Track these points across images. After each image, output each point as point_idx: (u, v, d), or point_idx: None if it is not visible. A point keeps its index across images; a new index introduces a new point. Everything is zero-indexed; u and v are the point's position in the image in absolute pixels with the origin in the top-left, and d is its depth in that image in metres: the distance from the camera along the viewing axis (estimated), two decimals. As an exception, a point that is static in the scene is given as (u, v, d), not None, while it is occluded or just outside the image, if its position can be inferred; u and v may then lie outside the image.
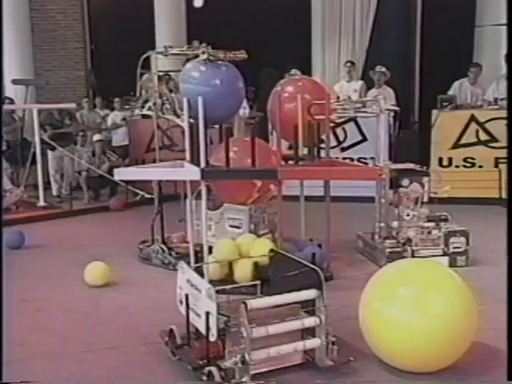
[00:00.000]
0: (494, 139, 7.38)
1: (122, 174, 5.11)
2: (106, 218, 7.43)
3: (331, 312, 3.56)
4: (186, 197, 4.82)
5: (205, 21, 10.23)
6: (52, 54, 10.91)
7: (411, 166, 5.11)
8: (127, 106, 7.55)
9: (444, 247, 4.68)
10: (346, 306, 3.44)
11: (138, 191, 7.97)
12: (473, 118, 7.51)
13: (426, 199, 4.93)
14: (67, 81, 10.97)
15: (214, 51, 4.56)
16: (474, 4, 9.26)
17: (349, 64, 8.89)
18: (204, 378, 2.66)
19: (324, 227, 4.47)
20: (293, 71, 8.08)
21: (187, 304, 2.88)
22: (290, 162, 4.79)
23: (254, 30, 10.16)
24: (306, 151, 4.67)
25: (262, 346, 2.68)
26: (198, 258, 4.54)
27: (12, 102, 9.47)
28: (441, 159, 7.59)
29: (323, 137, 4.77)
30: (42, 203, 7.81)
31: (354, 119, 7.54)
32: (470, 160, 7.53)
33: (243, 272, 4.19)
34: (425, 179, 4.96)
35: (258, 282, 3.23)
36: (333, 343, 2.80)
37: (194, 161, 4.40)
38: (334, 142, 7.50)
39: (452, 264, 4.58)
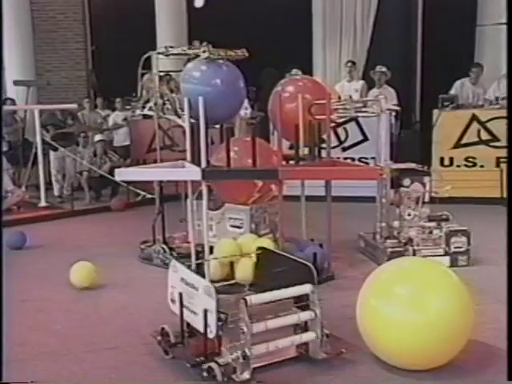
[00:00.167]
0: (495, 139, 7.37)
1: (123, 174, 5.11)
2: (107, 219, 7.43)
3: (332, 311, 3.57)
4: (186, 197, 4.83)
5: (205, 21, 10.23)
6: (53, 55, 10.91)
7: (412, 165, 5.10)
8: (128, 107, 7.55)
9: (445, 247, 4.68)
10: (347, 306, 3.43)
11: (139, 191, 7.97)
12: (474, 118, 7.50)
13: (427, 199, 4.93)
14: (68, 81, 10.98)
15: (215, 49, 4.56)
16: (475, 3, 9.25)
17: (350, 64, 8.88)
18: (204, 374, 2.68)
19: (325, 227, 4.47)
20: (294, 71, 8.07)
21: (181, 302, 2.89)
22: (291, 162, 4.78)
23: (254, 30, 10.15)
24: (306, 151, 4.67)
25: (260, 341, 2.72)
26: (200, 258, 4.54)
27: (13, 102, 9.49)
28: (442, 159, 7.58)
29: (324, 136, 4.76)
30: (43, 203, 7.82)
31: (355, 119, 7.53)
32: (471, 159, 7.52)
33: (244, 272, 4.19)
34: (426, 179, 4.95)
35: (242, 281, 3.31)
36: (327, 336, 2.89)
37: (195, 161, 4.40)
38: (335, 142, 7.50)
39: (453, 264, 4.57)
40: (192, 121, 4.42)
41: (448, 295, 2.81)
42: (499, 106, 7.43)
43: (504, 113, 6.87)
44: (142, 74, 5.27)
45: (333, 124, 5.77)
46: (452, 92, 8.12)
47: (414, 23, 10.13)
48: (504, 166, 7.14)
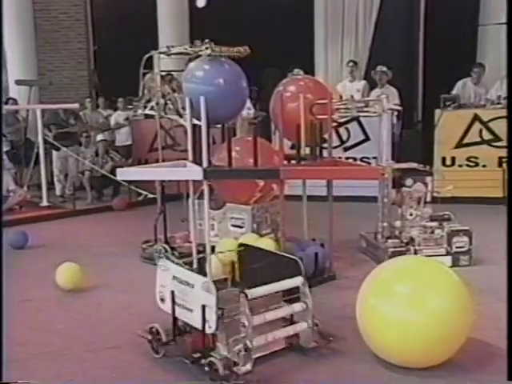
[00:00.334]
0: (497, 138, 7.36)
1: (124, 173, 5.12)
2: (108, 218, 7.44)
3: (333, 311, 3.59)
4: (188, 196, 4.83)
5: (208, 21, 10.23)
6: (55, 55, 10.93)
7: (414, 165, 5.10)
8: (130, 106, 7.55)
9: (447, 247, 4.67)
10: (348, 305, 3.43)
11: (140, 191, 7.99)
12: (476, 118, 7.49)
13: (429, 199, 4.92)
14: (70, 81, 11.00)
15: (217, 46, 4.55)
16: (478, 2, 9.24)
17: (351, 64, 8.89)
18: (206, 368, 2.71)
19: (326, 227, 4.46)
20: (296, 71, 8.07)
21: (173, 301, 2.91)
22: (293, 162, 4.78)
23: (256, 30, 10.14)
24: (308, 151, 4.66)
25: (257, 333, 2.78)
26: (201, 258, 4.54)
27: (15, 102, 9.52)
28: (444, 158, 7.57)
29: (325, 136, 4.76)
30: (45, 203, 7.84)
31: (357, 119, 7.53)
32: (473, 159, 7.51)
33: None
34: (428, 179, 4.94)
35: (228, 276, 3.38)
36: (316, 325, 3.01)
37: (197, 160, 4.40)
38: (336, 142, 7.50)
39: (455, 263, 4.57)
40: (196, 122, 4.40)
41: (447, 293, 2.82)
42: (501, 105, 7.42)
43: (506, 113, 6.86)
44: (144, 74, 5.27)
45: (334, 124, 5.77)
46: (454, 92, 8.11)
47: (416, 23, 10.12)
48: (506, 166, 7.13)
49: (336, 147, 7.09)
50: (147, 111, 5.44)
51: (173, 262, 4.80)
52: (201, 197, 4.51)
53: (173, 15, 10.07)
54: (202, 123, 4.30)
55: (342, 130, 7.80)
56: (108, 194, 8.55)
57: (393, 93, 7.90)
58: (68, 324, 3.66)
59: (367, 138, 7.74)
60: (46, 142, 8.09)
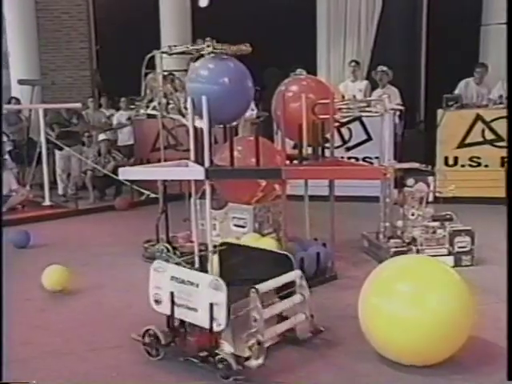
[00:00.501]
0: (499, 138, 7.34)
1: (126, 173, 5.12)
2: (111, 218, 7.45)
3: (335, 311, 3.59)
4: (190, 196, 4.83)
5: (210, 20, 10.23)
6: (57, 54, 10.94)
7: (416, 165, 5.09)
8: (132, 106, 7.56)
9: (449, 247, 4.66)
10: (350, 305, 3.43)
11: (143, 191, 7.98)
12: (478, 117, 7.48)
13: (431, 199, 4.92)
14: (72, 81, 11.00)
15: (219, 44, 4.54)
16: (480, 2, 9.22)
17: (353, 63, 8.87)
18: (219, 366, 2.73)
19: (328, 227, 4.46)
20: (298, 71, 8.06)
21: (172, 301, 2.90)
22: (295, 162, 4.78)
23: (259, 30, 10.14)
24: (310, 151, 4.66)
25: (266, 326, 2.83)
26: (202, 259, 4.55)
27: (18, 101, 9.53)
28: (446, 158, 7.55)
29: (328, 136, 4.75)
30: (47, 203, 7.85)
31: (359, 119, 7.52)
32: (475, 159, 7.49)
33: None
34: (430, 179, 4.94)
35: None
36: (311, 316, 3.11)
37: (199, 160, 4.40)
38: (338, 142, 7.49)
39: (457, 263, 4.56)
40: (200, 123, 4.37)
41: (448, 292, 2.84)
42: (503, 105, 7.40)
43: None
44: (146, 74, 5.27)
45: (336, 124, 5.77)
46: (456, 92, 8.09)
47: (419, 22, 10.10)
48: (509, 167, 7.12)
49: (338, 147, 7.08)
50: (149, 111, 5.45)
51: (172, 261, 4.86)
52: (203, 196, 4.51)
53: (175, 15, 10.07)
54: (204, 123, 4.30)
55: (344, 129, 7.79)
56: (110, 194, 8.56)
57: (394, 93, 7.89)
58: (69, 323, 3.67)
59: (369, 138, 7.73)
60: (48, 141, 8.11)
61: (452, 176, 6.14)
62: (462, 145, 7.53)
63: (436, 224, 4.74)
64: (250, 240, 4.46)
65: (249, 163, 4.54)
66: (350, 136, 7.85)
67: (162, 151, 5.60)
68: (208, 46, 4.48)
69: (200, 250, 4.52)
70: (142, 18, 10.50)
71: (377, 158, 7.60)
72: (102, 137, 8.88)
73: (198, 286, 2.80)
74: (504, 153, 7.19)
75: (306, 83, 5.19)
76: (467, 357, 2.89)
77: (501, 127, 7.27)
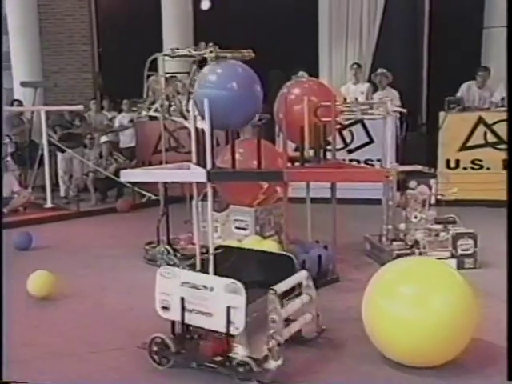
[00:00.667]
0: (501, 141, 7.33)
1: (128, 175, 5.12)
2: (112, 220, 7.45)
3: (337, 313, 3.58)
4: (191, 198, 4.83)
5: (212, 23, 10.25)
6: (60, 57, 10.97)
7: (419, 167, 5.08)
8: (134, 108, 7.57)
9: (452, 249, 4.65)
10: (352, 308, 3.44)
11: (144, 193, 7.99)
12: (480, 120, 7.47)
13: (433, 201, 4.91)
14: (75, 83, 11.03)
15: (221, 50, 4.54)
16: (482, 5, 9.22)
17: (355, 66, 8.87)
18: (240, 369, 2.72)
19: (330, 229, 4.45)
20: (300, 73, 8.07)
21: (183, 307, 2.85)
22: (297, 164, 4.78)
23: (260, 32, 10.16)
24: (312, 153, 4.66)
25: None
26: (204, 259, 4.54)
27: (20, 104, 9.55)
28: (448, 161, 7.55)
29: (329, 139, 4.75)
30: (49, 204, 7.86)
31: (361, 121, 7.52)
32: (477, 162, 7.49)
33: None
34: (432, 181, 4.93)
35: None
36: (317, 315, 3.13)
37: (201, 162, 4.40)
38: (340, 144, 7.49)
39: (460, 266, 4.54)
40: (203, 125, 4.35)
41: (451, 294, 2.85)
42: (505, 108, 7.39)
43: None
44: (148, 76, 5.28)
45: (338, 126, 5.76)
46: (458, 95, 8.09)
47: (421, 25, 10.10)
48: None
49: (340, 149, 7.08)
50: (151, 113, 5.45)
51: (172, 263, 4.85)
52: (204, 199, 4.51)
53: (177, 17, 10.09)
54: (207, 125, 4.30)
55: (345, 132, 7.79)
56: (112, 196, 8.56)
57: (394, 95, 7.88)
58: (71, 325, 3.66)
59: (371, 141, 7.73)
60: (50, 143, 8.12)
61: (454, 179, 6.14)
62: (464, 147, 7.52)
63: (439, 227, 4.73)
64: (252, 242, 4.45)
65: (250, 165, 4.54)
66: (352, 138, 7.85)
67: (163, 153, 5.60)
68: (211, 52, 4.48)
69: (202, 253, 4.52)
70: (143, 20, 10.53)
71: (379, 160, 7.60)
72: (103, 139, 8.90)
73: (212, 289, 2.76)
74: (506, 155, 7.19)
75: (308, 86, 5.19)
76: (470, 359, 2.89)
77: (503, 130, 7.26)
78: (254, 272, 3.11)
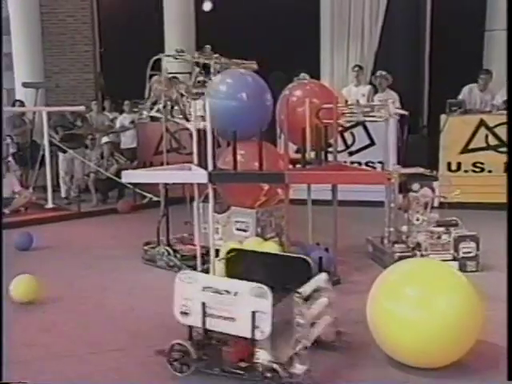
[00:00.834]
0: (503, 144, 7.33)
1: (130, 176, 5.12)
2: (113, 221, 7.45)
3: (338, 316, 3.55)
4: (191, 200, 4.83)
5: (214, 24, 10.26)
6: (61, 57, 10.99)
7: (421, 170, 5.07)
8: (136, 109, 7.58)
9: (454, 252, 4.63)
10: (354, 310, 3.43)
11: (145, 194, 8.00)
12: (482, 123, 7.47)
13: (436, 204, 4.89)
14: (76, 83, 11.04)
15: (226, 61, 4.55)
16: (484, 8, 9.22)
17: (356, 68, 8.88)
18: (268, 375, 2.67)
19: (331, 231, 4.45)
20: (301, 75, 8.07)
21: (204, 313, 2.77)
22: (298, 166, 4.77)
23: (262, 34, 10.17)
24: (313, 155, 4.65)
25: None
26: (205, 260, 4.55)
27: (22, 104, 9.56)
28: (449, 164, 7.55)
29: (331, 141, 4.75)
30: (50, 205, 7.86)
31: (362, 123, 7.52)
32: (479, 165, 7.48)
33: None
34: (436, 184, 4.92)
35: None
36: (335, 318, 3.07)
37: (202, 164, 4.40)
38: (341, 146, 7.49)
39: (462, 269, 4.52)
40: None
41: (456, 295, 2.86)
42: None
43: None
44: (151, 76, 5.28)
45: (341, 128, 5.76)
46: (460, 97, 8.09)
47: (423, 28, 10.10)
48: (512, 172, 7.11)
49: (341, 152, 7.09)
50: (153, 113, 5.46)
51: (173, 264, 4.84)
52: (205, 200, 4.50)
53: (179, 18, 10.10)
54: (207, 126, 4.30)
55: (347, 134, 7.79)
56: (113, 197, 8.57)
57: (394, 97, 7.89)
58: (72, 325, 3.66)
59: (372, 143, 7.73)
60: (51, 143, 8.12)
61: (455, 181, 6.14)
62: (466, 150, 7.52)
63: (441, 229, 4.72)
64: (253, 244, 4.45)
65: (252, 168, 4.53)
66: (353, 141, 7.86)
67: (164, 154, 5.60)
68: (215, 63, 4.49)
69: (202, 254, 4.52)
70: (145, 21, 10.53)
71: (380, 162, 7.62)
72: (104, 140, 8.90)
73: (235, 294, 2.70)
74: (507, 158, 7.19)
75: (310, 88, 5.19)
76: (474, 360, 2.89)
77: (504, 133, 7.26)
78: (268, 275, 3.00)
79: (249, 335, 2.66)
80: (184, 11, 10.17)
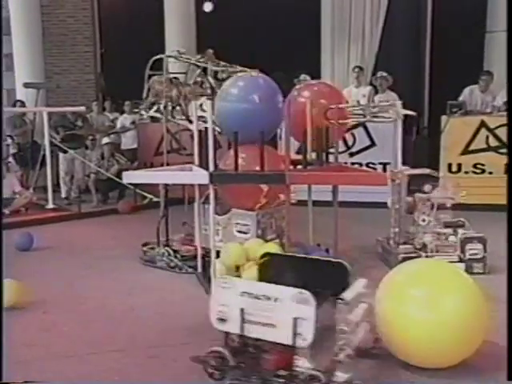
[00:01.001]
0: (503, 145, 7.32)
1: (131, 177, 5.12)
2: (114, 221, 7.45)
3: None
4: (189, 201, 4.83)
5: (215, 24, 10.27)
6: (62, 58, 10.99)
7: (427, 171, 5.04)
8: (136, 110, 7.58)
9: (460, 253, 4.60)
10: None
11: (146, 194, 7.99)
12: (483, 124, 7.46)
13: (449, 205, 4.85)
14: (77, 84, 11.05)
15: (228, 67, 4.55)
16: (485, 9, 9.23)
17: (357, 69, 8.89)
18: (310, 383, 2.58)
19: (332, 232, 4.45)
20: (302, 76, 8.08)
21: (243, 318, 2.69)
22: (299, 167, 4.77)
23: (263, 34, 10.17)
24: (314, 156, 4.65)
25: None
26: (206, 261, 4.55)
27: (23, 104, 9.57)
28: (450, 165, 7.54)
29: (338, 141, 4.73)
30: (50, 205, 7.86)
31: (363, 124, 7.52)
32: (479, 166, 7.48)
33: (250, 276, 4.17)
34: (449, 185, 4.89)
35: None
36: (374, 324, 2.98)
37: (203, 164, 4.40)
38: (342, 147, 7.48)
39: (468, 271, 4.47)
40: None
41: (462, 295, 2.87)
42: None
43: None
44: (150, 76, 5.29)
45: (347, 128, 5.72)
46: (461, 99, 8.09)
47: (423, 29, 10.11)
48: (513, 173, 7.10)
49: (341, 152, 7.07)
50: (151, 113, 5.46)
51: (173, 265, 4.84)
52: (206, 201, 4.50)
53: (179, 19, 10.10)
54: (208, 127, 4.31)
55: (347, 135, 7.77)
56: (113, 197, 8.56)
57: (394, 98, 7.89)
58: (72, 326, 3.66)
59: (373, 144, 7.73)
60: (52, 144, 8.13)
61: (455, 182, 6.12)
62: (466, 151, 7.52)
63: (448, 230, 4.68)
64: (254, 245, 4.44)
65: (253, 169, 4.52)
66: (354, 141, 7.85)
67: (164, 155, 5.60)
68: (222, 72, 4.51)
69: (203, 256, 4.52)
70: (146, 21, 10.54)
71: (381, 163, 7.63)
72: (105, 140, 8.90)
73: (276, 300, 2.62)
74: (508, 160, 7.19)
75: (318, 88, 5.15)
76: (480, 360, 2.90)
77: (505, 134, 7.26)
78: (299, 280, 2.88)
79: (290, 342, 2.58)
80: (185, 12, 10.17)
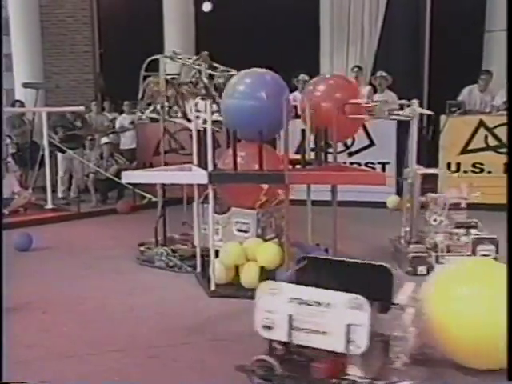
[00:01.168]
0: (502, 145, 7.33)
1: (130, 176, 5.13)
2: (113, 221, 7.45)
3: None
4: (189, 201, 4.84)
5: (213, 25, 10.26)
6: (61, 58, 10.98)
7: (442, 171, 5.03)
8: (135, 110, 7.58)
9: (471, 254, 4.57)
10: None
11: (145, 194, 7.99)
12: (481, 124, 7.47)
13: (463, 205, 4.84)
14: (76, 84, 11.03)
15: (223, 72, 4.56)
16: (484, 8, 9.23)
17: (356, 69, 8.88)
18: None
19: (331, 232, 4.45)
20: (301, 76, 8.08)
21: (291, 325, 2.59)
22: (298, 166, 4.77)
23: (262, 34, 10.17)
24: (313, 155, 4.66)
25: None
26: (206, 261, 4.55)
27: (22, 104, 9.56)
28: (449, 164, 7.54)
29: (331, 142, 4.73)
30: (49, 205, 7.86)
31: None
32: (478, 165, 7.49)
33: (250, 276, 4.19)
34: (463, 185, 4.89)
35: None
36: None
37: (202, 164, 4.40)
38: (341, 147, 7.48)
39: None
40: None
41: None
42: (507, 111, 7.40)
43: (512, 119, 6.84)
44: (145, 77, 5.29)
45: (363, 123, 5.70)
46: (460, 99, 8.09)
47: (422, 29, 10.10)
48: (512, 173, 7.11)
49: (340, 152, 7.07)
50: (147, 114, 5.46)
51: (172, 265, 4.84)
52: (205, 201, 4.51)
53: (178, 19, 10.10)
54: (208, 127, 4.31)
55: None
56: (112, 197, 8.56)
57: (393, 97, 7.89)
58: (72, 326, 3.66)
59: (372, 144, 7.73)
60: (51, 144, 8.12)
61: (454, 182, 6.11)
62: (465, 151, 7.52)
63: (461, 231, 4.66)
64: (253, 245, 4.44)
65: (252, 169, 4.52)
66: (353, 141, 7.84)
67: (162, 155, 5.60)
68: (219, 78, 4.51)
69: (202, 256, 4.52)
70: (145, 21, 10.53)
71: (380, 163, 7.64)
72: (104, 140, 8.90)
73: (328, 305, 2.53)
74: (507, 159, 7.19)
75: (334, 82, 5.11)
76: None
77: (504, 133, 7.26)
78: (341, 284, 2.74)
79: (342, 350, 2.49)
80: (183, 12, 10.17)
